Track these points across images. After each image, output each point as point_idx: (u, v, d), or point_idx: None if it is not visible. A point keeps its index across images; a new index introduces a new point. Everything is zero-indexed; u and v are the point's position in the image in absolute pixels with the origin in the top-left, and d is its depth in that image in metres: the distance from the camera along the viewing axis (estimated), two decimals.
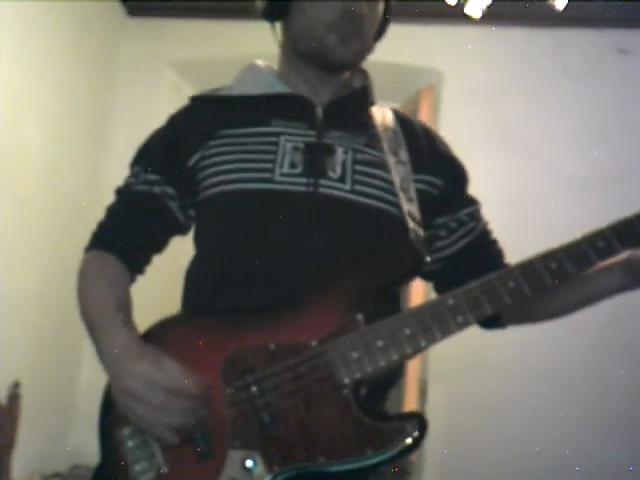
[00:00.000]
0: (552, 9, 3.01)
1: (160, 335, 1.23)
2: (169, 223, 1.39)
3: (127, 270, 1.38)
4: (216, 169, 1.33)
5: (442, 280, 1.44)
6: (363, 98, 1.42)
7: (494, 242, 1.47)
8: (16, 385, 2.40)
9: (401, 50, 3.59)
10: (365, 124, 1.38)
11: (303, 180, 1.29)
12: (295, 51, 1.38)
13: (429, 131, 1.46)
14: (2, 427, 2.35)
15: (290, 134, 1.33)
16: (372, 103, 1.43)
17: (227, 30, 3.44)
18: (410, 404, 3.18)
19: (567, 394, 3.14)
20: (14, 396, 2.40)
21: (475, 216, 1.43)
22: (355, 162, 1.31)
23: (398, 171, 1.33)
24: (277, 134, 1.33)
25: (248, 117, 1.35)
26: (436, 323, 1.16)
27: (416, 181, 1.35)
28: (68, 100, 3.21)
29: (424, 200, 1.35)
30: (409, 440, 1.14)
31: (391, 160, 1.33)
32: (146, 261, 1.42)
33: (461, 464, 3.16)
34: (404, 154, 1.36)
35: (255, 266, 1.26)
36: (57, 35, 3.17)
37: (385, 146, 1.35)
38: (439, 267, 1.42)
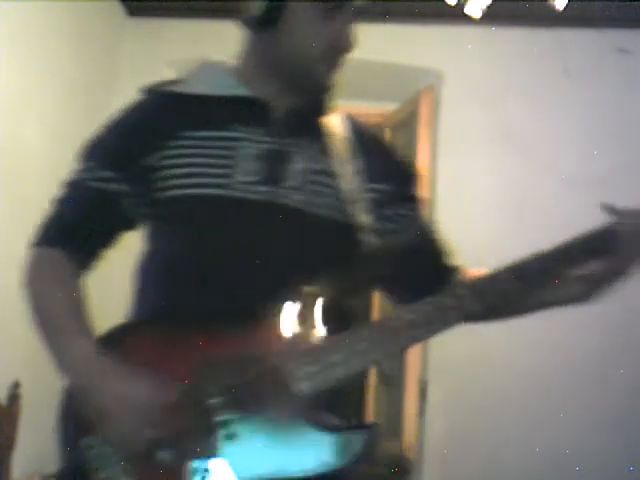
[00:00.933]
0: (552, 9, 3.01)
1: (116, 344, 1.23)
2: (121, 221, 1.38)
3: (78, 267, 1.36)
4: (174, 172, 1.31)
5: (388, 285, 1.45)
6: (321, 106, 1.40)
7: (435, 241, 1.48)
8: (16, 385, 2.40)
9: (401, 50, 3.59)
10: (322, 132, 1.38)
11: (261, 188, 1.28)
12: (277, 66, 1.36)
13: (379, 137, 1.49)
14: (2, 427, 2.35)
15: (249, 140, 1.32)
16: (331, 109, 1.42)
17: (227, 30, 3.43)
18: (410, 404, 3.19)
19: (567, 394, 3.14)
20: (14, 396, 2.39)
21: (419, 213, 1.45)
22: (311, 172, 1.32)
23: (352, 181, 1.34)
24: (236, 139, 1.31)
25: (208, 119, 1.33)
26: (390, 338, 1.18)
27: (369, 190, 1.36)
28: (68, 100, 3.21)
29: (379, 208, 1.37)
30: (362, 449, 1.16)
31: (346, 170, 1.34)
32: (97, 257, 1.40)
33: (461, 464, 3.16)
34: (357, 163, 1.37)
35: (209, 273, 1.25)
36: (57, 35, 3.17)
37: (339, 156, 1.35)
38: (386, 255, 1.42)
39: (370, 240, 1.31)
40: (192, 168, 1.30)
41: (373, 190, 1.37)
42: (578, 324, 3.19)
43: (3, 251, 2.64)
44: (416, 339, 1.21)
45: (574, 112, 3.42)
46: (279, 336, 1.18)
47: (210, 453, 1.15)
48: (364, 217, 1.33)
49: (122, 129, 1.39)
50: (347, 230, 1.30)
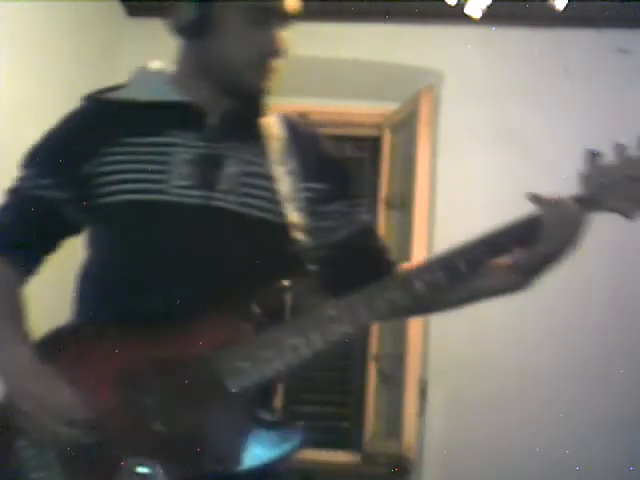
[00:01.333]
0: (552, 9, 3.01)
1: (54, 346, 1.28)
2: (61, 227, 1.41)
3: (19, 274, 1.40)
4: (110, 178, 1.34)
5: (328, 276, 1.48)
6: (256, 109, 1.43)
7: (375, 236, 1.50)
8: None
9: (401, 50, 3.59)
10: (257, 135, 1.41)
11: (195, 192, 1.31)
12: (209, 72, 1.38)
13: (317, 137, 1.50)
14: None
15: (183, 145, 1.35)
16: (265, 112, 1.44)
17: None
18: (410, 404, 3.18)
19: (567, 394, 3.14)
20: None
21: (358, 210, 1.47)
22: (244, 174, 1.35)
23: (286, 181, 1.37)
24: (171, 144, 1.34)
25: (143, 126, 1.36)
26: (318, 333, 1.22)
27: (304, 189, 1.40)
28: (68, 100, 3.20)
29: (313, 207, 1.40)
30: (294, 444, 1.22)
31: (280, 171, 1.37)
32: (39, 263, 1.44)
33: (461, 464, 3.16)
34: (292, 163, 1.40)
35: (146, 276, 1.28)
36: (57, 35, 3.17)
37: (274, 157, 1.39)
38: (328, 253, 1.44)
39: (304, 239, 1.35)
40: (128, 174, 1.33)
41: (309, 189, 1.40)
42: (578, 324, 3.19)
43: None
44: (345, 333, 1.23)
45: (574, 112, 3.41)
46: (214, 335, 1.22)
47: (142, 452, 1.17)
48: (298, 217, 1.36)
49: (60, 137, 1.43)
50: (281, 230, 1.34)
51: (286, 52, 1.39)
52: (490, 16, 3.14)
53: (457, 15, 3.14)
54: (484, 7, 3.07)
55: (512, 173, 3.37)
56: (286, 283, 1.26)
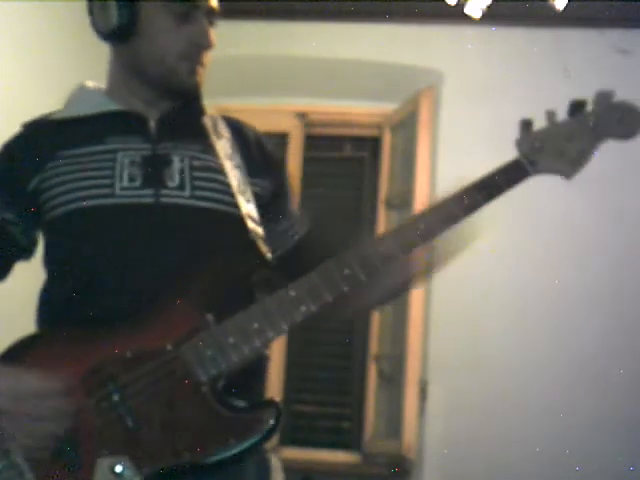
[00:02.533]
0: (552, 9, 3.01)
1: (20, 354, 1.26)
2: (12, 249, 1.41)
3: None
4: (56, 190, 1.34)
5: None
6: (194, 108, 1.44)
7: (308, 253, 1.50)
8: None
9: (401, 50, 3.59)
10: (198, 133, 1.42)
11: (144, 192, 1.33)
12: (140, 74, 1.40)
13: (259, 137, 1.51)
14: None
15: (126, 149, 1.36)
16: (203, 113, 1.46)
17: (225, 30, 3.43)
18: (410, 404, 3.18)
19: (567, 394, 3.14)
20: None
21: (291, 231, 1.49)
22: (192, 168, 1.36)
23: (234, 174, 1.39)
24: (113, 151, 1.36)
25: (83, 137, 1.37)
26: (281, 315, 1.24)
27: (251, 184, 1.42)
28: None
29: (259, 203, 1.42)
30: (267, 427, 1.20)
31: (227, 164, 1.39)
32: None
33: (461, 464, 3.16)
34: (238, 159, 1.43)
35: (104, 279, 1.30)
36: (57, 35, 3.17)
37: (220, 152, 1.40)
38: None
39: (255, 228, 1.37)
40: (72, 184, 1.34)
41: (255, 184, 1.43)
42: (578, 324, 3.19)
43: None
44: (307, 311, 1.24)
45: None
46: (179, 327, 1.23)
47: (115, 450, 1.17)
48: (250, 208, 1.38)
49: (2, 161, 1.43)
50: (235, 219, 1.35)
51: (213, 45, 1.39)
52: (490, 16, 3.14)
53: (457, 15, 3.14)
54: (484, 7, 3.07)
55: None
56: (246, 270, 1.29)
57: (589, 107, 1.42)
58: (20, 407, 1.18)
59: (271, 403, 1.24)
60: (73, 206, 1.33)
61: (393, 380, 3.36)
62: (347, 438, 3.53)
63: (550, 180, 3.57)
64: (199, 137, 1.41)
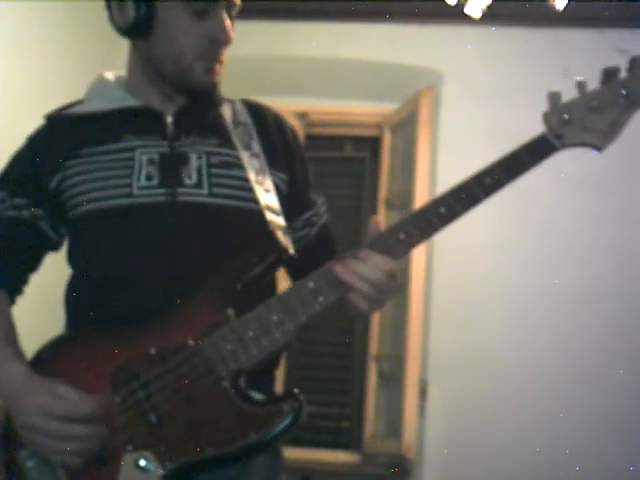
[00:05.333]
0: (552, 9, 3.01)
1: (50, 359, 1.31)
2: (42, 243, 1.44)
3: (6, 294, 1.44)
4: (76, 190, 1.36)
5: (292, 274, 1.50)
6: (210, 99, 1.44)
7: (327, 242, 1.52)
8: None
9: (401, 50, 3.59)
10: (216, 125, 1.42)
11: (161, 191, 1.33)
12: (157, 71, 1.39)
13: (280, 121, 1.50)
14: None
15: (144, 147, 1.36)
16: (220, 101, 1.45)
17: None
18: (410, 404, 3.18)
19: (567, 394, 3.14)
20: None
21: (310, 221, 1.49)
22: (210, 165, 1.36)
23: (253, 165, 1.39)
24: (131, 149, 1.36)
25: (102, 134, 1.38)
26: (300, 306, 1.24)
27: (271, 174, 1.42)
28: (68, 100, 3.21)
29: (281, 192, 1.42)
30: (287, 420, 1.23)
31: (245, 155, 1.39)
32: (24, 282, 1.48)
33: (461, 464, 3.16)
34: (257, 146, 1.42)
35: (126, 278, 1.31)
36: (57, 35, 3.17)
37: (238, 143, 1.40)
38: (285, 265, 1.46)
39: (274, 220, 1.36)
40: (91, 184, 1.35)
41: (273, 175, 1.42)
42: (578, 324, 3.19)
43: None
44: (325, 302, 1.24)
45: None
46: (199, 323, 1.24)
47: (139, 446, 1.20)
48: (269, 199, 1.38)
49: (25, 157, 1.45)
50: (253, 215, 1.35)
51: (232, 41, 1.39)
52: (490, 16, 3.14)
53: (457, 15, 3.14)
54: (484, 7, 3.07)
55: None
56: (266, 263, 1.28)
57: (622, 74, 1.31)
58: (49, 426, 1.20)
59: (291, 395, 1.25)
60: (93, 206, 1.34)
61: (393, 380, 3.36)
62: (347, 438, 3.53)
63: (550, 180, 3.58)
64: (216, 130, 1.41)
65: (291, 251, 1.34)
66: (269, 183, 1.40)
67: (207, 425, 1.21)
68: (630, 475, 3.00)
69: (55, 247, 1.46)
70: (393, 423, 3.26)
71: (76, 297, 1.39)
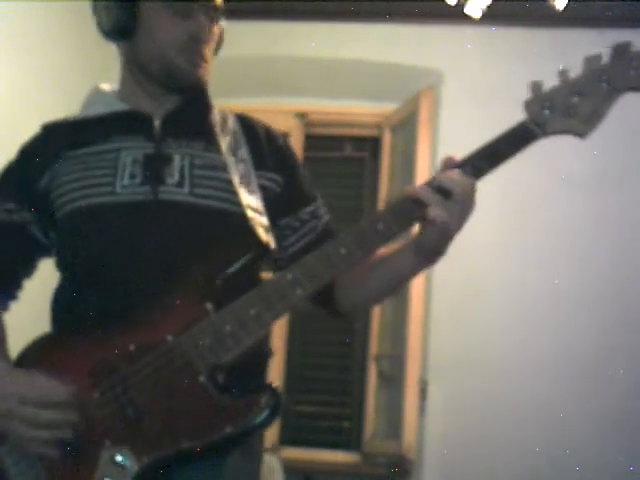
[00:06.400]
0: (552, 9, 3.01)
1: (32, 356, 1.33)
2: (33, 247, 1.46)
3: None
4: (63, 189, 1.39)
5: None
6: (200, 105, 1.47)
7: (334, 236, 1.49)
8: None
9: (401, 50, 3.59)
10: (203, 130, 1.44)
11: (143, 189, 1.36)
12: (144, 71, 1.43)
13: (270, 130, 1.53)
14: None
15: (130, 148, 1.39)
16: (210, 107, 1.48)
17: (225, 30, 3.43)
18: (410, 404, 3.18)
19: (567, 394, 3.14)
20: None
21: (316, 214, 1.50)
22: (193, 167, 1.38)
23: (238, 169, 1.41)
24: (117, 150, 1.39)
25: (91, 137, 1.41)
26: (278, 298, 1.24)
27: (258, 177, 1.44)
28: (68, 100, 3.21)
29: (268, 197, 1.43)
30: (264, 413, 1.21)
31: (230, 160, 1.41)
32: (17, 287, 1.50)
33: (461, 464, 3.16)
34: (244, 153, 1.44)
35: (107, 276, 1.33)
36: (57, 36, 3.17)
37: (224, 148, 1.42)
38: (288, 263, 1.43)
39: (255, 217, 1.38)
40: (77, 182, 1.38)
41: (262, 177, 1.44)
42: (578, 324, 3.19)
43: None
44: (304, 294, 1.24)
45: None
46: (178, 319, 1.25)
47: (116, 441, 1.21)
48: (252, 200, 1.40)
49: (16, 163, 1.48)
50: (233, 215, 1.36)
51: (212, 40, 1.43)
52: (490, 16, 3.14)
53: (457, 15, 3.14)
54: (484, 7, 3.07)
55: (512, 173, 3.36)
56: (246, 259, 1.28)
57: (603, 61, 1.34)
58: (21, 411, 1.23)
59: (268, 388, 1.24)
60: (76, 204, 1.37)
61: (393, 380, 3.36)
62: (347, 438, 3.53)
63: (551, 180, 3.58)
64: (203, 134, 1.43)
65: (272, 247, 1.37)
66: (254, 186, 1.42)
67: (183, 418, 1.21)
68: (630, 475, 3.00)
69: (47, 252, 1.48)
70: (393, 423, 3.26)
71: (60, 297, 1.41)
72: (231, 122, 1.49)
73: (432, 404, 3.24)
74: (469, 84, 3.52)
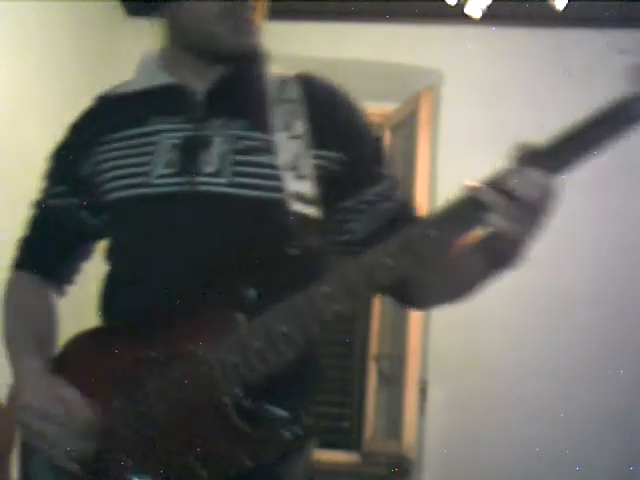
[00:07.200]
0: (552, 9, 3.01)
1: (65, 356, 1.27)
2: (84, 232, 1.39)
3: (51, 287, 1.40)
4: (103, 177, 1.31)
5: None
6: (249, 75, 1.32)
7: (412, 220, 1.30)
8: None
9: (401, 50, 3.59)
10: (251, 105, 1.30)
11: (179, 180, 1.24)
12: (183, 42, 1.32)
13: (336, 95, 1.36)
14: (1, 427, 2.35)
15: (169, 130, 1.28)
16: (261, 78, 1.33)
17: None
18: (410, 404, 3.18)
19: (567, 394, 3.14)
20: (14, 396, 2.40)
21: (386, 194, 1.31)
22: (234, 151, 1.24)
23: (289, 148, 1.25)
24: (157, 132, 1.28)
25: (131, 117, 1.31)
26: (311, 315, 1.10)
27: (314, 157, 1.26)
28: (68, 100, 3.21)
29: (325, 177, 1.26)
30: (284, 447, 1.10)
31: (281, 137, 1.25)
32: (73, 272, 1.43)
33: (461, 464, 3.16)
34: (301, 127, 1.27)
35: (141, 273, 1.24)
36: (57, 35, 3.17)
37: (276, 123, 1.27)
38: (353, 251, 1.28)
39: (301, 212, 1.21)
40: (116, 171, 1.29)
41: (319, 157, 1.27)
42: (578, 324, 3.19)
43: (2, 251, 2.64)
44: (341, 311, 1.09)
45: (574, 112, 3.41)
46: (208, 328, 1.14)
47: (138, 461, 1.13)
48: (302, 187, 1.23)
49: (65, 143, 1.42)
50: (278, 206, 1.21)
51: (254, 7, 1.29)
52: (490, 16, 3.14)
53: (457, 15, 3.14)
54: (484, 7, 3.07)
55: None
56: (286, 262, 1.15)
57: None
58: (43, 430, 1.17)
59: (298, 421, 1.13)
60: (116, 195, 1.28)
61: (393, 380, 3.36)
62: (347, 438, 3.53)
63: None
64: (250, 110, 1.29)
65: (317, 245, 1.20)
66: (307, 169, 1.24)
67: (202, 443, 1.11)
68: (630, 475, 3.00)
69: (101, 235, 1.39)
70: (393, 423, 3.26)
71: (101, 289, 1.33)
72: (289, 88, 1.32)
73: (432, 404, 3.24)
74: (469, 84, 3.52)
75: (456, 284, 1.26)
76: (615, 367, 3.13)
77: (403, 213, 1.31)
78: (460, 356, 3.22)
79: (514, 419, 3.15)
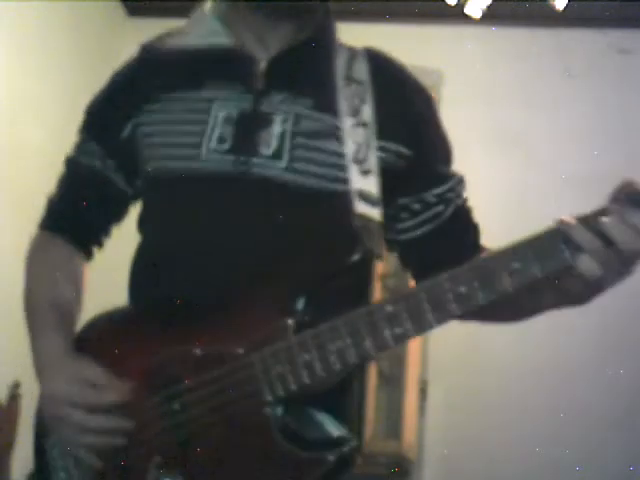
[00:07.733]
0: (552, 9, 3.01)
1: (89, 337, 1.14)
2: (115, 195, 1.25)
3: (78, 250, 1.27)
4: (147, 141, 1.18)
5: (409, 264, 1.24)
6: (318, 46, 1.19)
7: (467, 228, 1.24)
8: (16, 385, 2.40)
9: (401, 50, 3.58)
10: (318, 79, 1.16)
11: (231, 158, 1.11)
12: None
13: (408, 83, 1.24)
14: (2, 427, 2.35)
15: (225, 99, 1.14)
16: (331, 51, 1.21)
17: None
18: (410, 404, 3.18)
19: (567, 394, 3.14)
20: (14, 396, 2.40)
21: (445, 196, 1.20)
22: (296, 133, 1.11)
23: (355, 136, 1.12)
24: (210, 100, 1.14)
25: (184, 78, 1.17)
26: (370, 335, 0.98)
27: (380, 148, 1.14)
28: (68, 100, 3.21)
29: (387, 170, 1.14)
30: (325, 470, 1.00)
31: (347, 123, 1.12)
32: (102, 234, 1.30)
33: (461, 464, 3.16)
34: (368, 113, 1.14)
35: (181, 258, 1.11)
36: (57, 35, 3.17)
37: (342, 105, 1.14)
38: (401, 250, 1.22)
39: (364, 214, 1.09)
40: (161, 137, 1.17)
41: (383, 149, 1.15)
42: (578, 324, 3.19)
43: (2, 251, 2.64)
44: (404, 336, 1.00)
45: (574, 112, 3.42)
46: (252, 329, 1.03)
47: (167, 461, 1.04)
48: (362, 180, 1.11)
49: (105, 95, 1.29)
50: (338, 200, 1.09)
51: None
52: (490, 16, 3.14)
53: (457, 15, 3.15)
54: (484, 7, 3.08)
55: (512, 173, 3.37)
56: (345, 269, 1.03)
57: None
58: (70, 417, 1.06)
59: (339, 441, 1.03)
60: (160, 165, 1.16)
61: (393, 380, 3.36)
62: None
63: (551, 180, 3.58)
64: (317, 86, 1.15)
65: (378, 253, 1.09)
66: (372, 162, 1.12)
67: (239, 456, 1.02)
68: (630, 475, 3.00)
69: (134, 198, 1.26)
70: (393, 423, 3.26)
71: (133, 270, 1.20)
72: (359, 67, 1.19)
73: (432, 404, 3.24)
74: (469, 84, 3.52)
75: (515, 311, 1.21)
76: (614, 367, 3.13)
77: (458, 217, 1.22)
78: (460, 356, 3.22)
79: (514, 419, 3.15)
